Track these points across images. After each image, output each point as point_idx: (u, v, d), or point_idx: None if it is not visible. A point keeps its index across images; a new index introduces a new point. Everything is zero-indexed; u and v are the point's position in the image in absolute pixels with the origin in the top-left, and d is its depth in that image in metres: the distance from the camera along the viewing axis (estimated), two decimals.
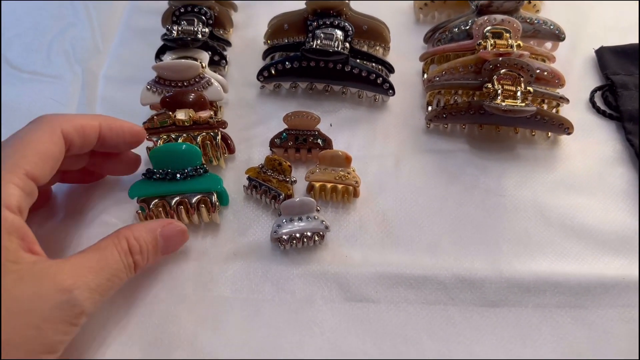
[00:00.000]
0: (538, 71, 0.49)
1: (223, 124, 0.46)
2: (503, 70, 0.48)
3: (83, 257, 0.34)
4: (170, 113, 0.46)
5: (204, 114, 0.46)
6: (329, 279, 0.42)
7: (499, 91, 0.47)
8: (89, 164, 0.43)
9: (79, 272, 0.32)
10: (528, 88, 0.48)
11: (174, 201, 0.42)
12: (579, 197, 0.47)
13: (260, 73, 0.53)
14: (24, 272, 0.30)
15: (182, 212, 0.42)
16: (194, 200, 0.42)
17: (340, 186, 0.45)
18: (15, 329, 0.29)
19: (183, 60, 0.49)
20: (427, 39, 0.58)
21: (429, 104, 0.53)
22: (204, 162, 0.44)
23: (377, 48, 0.56)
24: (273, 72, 0.52)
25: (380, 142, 0.51)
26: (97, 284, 0.33)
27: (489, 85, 0.48)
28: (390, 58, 0.56)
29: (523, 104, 0.47)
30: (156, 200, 0.42)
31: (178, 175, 0.42)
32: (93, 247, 0.35)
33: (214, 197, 0.43)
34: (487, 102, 0.47)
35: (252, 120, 0.53)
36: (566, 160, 0.50)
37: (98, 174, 0.46)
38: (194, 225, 0.44)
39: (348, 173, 0.45)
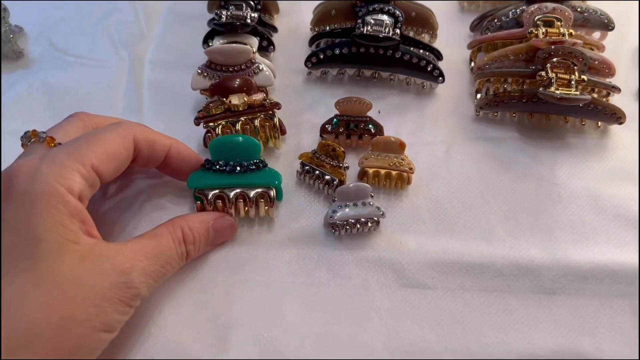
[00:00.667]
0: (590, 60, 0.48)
1: (277, 105, 0.46)
2: (556, 59, 0.48)
3: (140, 242, 0.35)
4: (225, 99, 0.45)
5: (258, 97, 0.46)
6: (384, 265, 0.42)
7: (553, 79, 0.47)
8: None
9: (136, 256, 0.34)
10: (582, 77, 0.47)
11: (232, 194, 0.41)
12: (632, 187, 0.46)
13: (308, 59, 0.52)
14: (85, 253, 0.32)
15: (240, 206, 0.42)
16: (252, 194, 0.42)
17: (394, 172, 0.45)
18: (79, 306, 0.30)
19: (235, 45, 0.49)
20: (474, 27, 0.57)
21: (477, 91, 0.52)
22: (261, 145, 0.44)
23: (424, 35, 0.56)
24: (322, 57, 0.52)
25: (430, 129, 0.51)
26: (152, 269, 0.34)
27: (543, 74, 0.48)
28: (436, 46, 0.55)
29: (577, 93, 0.46)
30: (215, 192, 0.41)
31: (238, 168, 0.41)
32: (150, 233, 0.37)
33: (273, 193, 0.42)
34: (541, 90, 0.47)
35: (299, 106, 0.52)
36: (617, 149, 0.49)
37: None
38: (249, 217, 0.44)
39: (402, 159, 0.45)
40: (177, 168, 0.42)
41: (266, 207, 0.43)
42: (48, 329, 0.29)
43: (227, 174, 0.42)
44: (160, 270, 0.35)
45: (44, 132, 0.37)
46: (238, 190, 0.42)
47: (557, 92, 0.46)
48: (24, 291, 0.30)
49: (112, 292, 0.32)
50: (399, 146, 0.45)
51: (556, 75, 0.47)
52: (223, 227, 0.41)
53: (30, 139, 0.37)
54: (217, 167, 0.42)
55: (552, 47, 0.48)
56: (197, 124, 0.46)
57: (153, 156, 0.40)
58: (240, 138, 0.42)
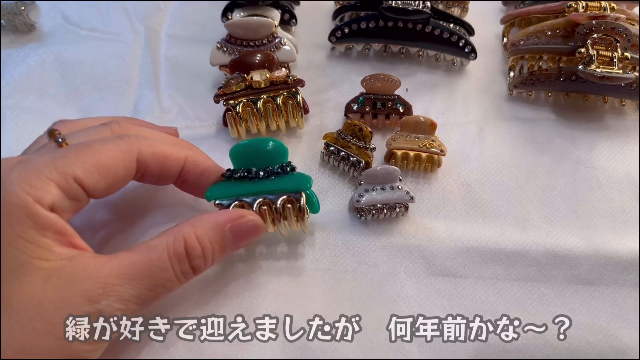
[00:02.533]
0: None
1: (300, 82, 0.44)
2: (597, 35, 0.45)
3: (126, 258, 0.29)
4: (246, 75, 0.43)
5: (280, 73, 0.44)
6: (412, 252, 0.40)
7: (594, 57, 0.44)
8: None
9: (114, 279, 0.28)
10: (625, 54, 0.44)
11: (256, 203, 0.35)
12: None
13: (332, 33, 0.50)
14: (52, 271, 0.27)
15: (266, 215, 0.36)
16: (279, 201, 0.35)
17: (424, 155, 0.43)
18: (36, 338, 0.26)
19: (256, 18, 0.47)
20: (507, 0, 0.54)
21: (511, 69, 0.50)
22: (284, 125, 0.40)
23: (454, 9, 0.53)
24: (347, 32, 0.49)
25: (461, 108, 0.48)
26: (134, 294, 0.29)
27: (583, 50, 0.45)
28: (467, 20, 0.53)
29: (620, 71, 0.43)
30: (236, 202, 0.35)
31: (262, 174, 0.36)
32: (142, 247, 0.30)
33: (303, 200, 0.36)
34: (581, 68, 0.44)
35: (322, 83, 0.50)
36: None
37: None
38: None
39: (432, 141, 0.43)
40: (196, 183, 0.36)
41: (296, 217, 0.36)
42: None
43: (248, 181, 0.36)
44: (147, 295, 0.29)
45: (61, 135, 0.33)
46: (261, 199, 0.35)
47: (598, 70, 0.43)
48: None
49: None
50: (430, 126, 0.43)
51: (597, 53, 0.44)
52: (245, 230, 0.34)
53: (49, 136, 0.33)
54: (238, 174, 0.36)
55: (593, 22, 0.45)
56: (217, 102, 0.43)
57: (165, 173, 0.35)
58: (263, 142, 0.37)
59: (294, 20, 0.52)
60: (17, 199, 0.27)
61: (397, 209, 0.41)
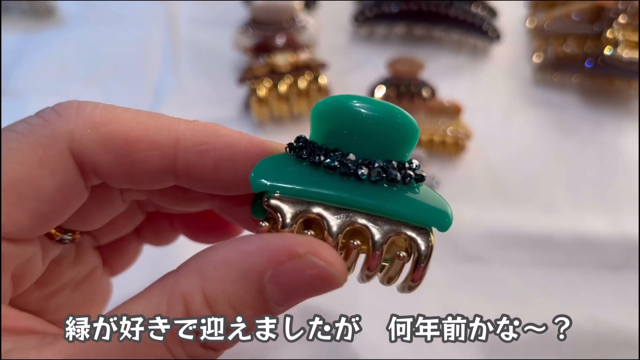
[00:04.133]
0: None
1: (323, 66, 0.44)
2: (625, 19, 0.44)
3: (81, 346, 0.16)
4: (268, 59, 0.43)
5: (303, 56, 0.43)
6: (437, 237, 0.40)
7: (620, 41, 0.44)
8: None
9: None
10: None
11: (341, 225, 0.18)
12: None
13: (355, 16, 0.49)
14: None
15: (352, 253, 0.19)
16: (384, 233, 0.18)
17: (449, 139, 0.42)
18: None
19: (279, 1, 0.46)
20: None
21: (536, 53, 0.49)
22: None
23: None
24: (370, 15, 0.49)
25: (485, 92, 0.48)
26: None
27: (609, 35, 0.44)
28: (491, 3, 0.52)
29: None
30: (302, 209, 0.18)
31: (365, 170, 0.18)
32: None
33: (430, 242, 0.20)
34: (607, 53, 0.43)
35: (345, 66, 0.50)
36: None
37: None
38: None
39: (458, 125, 0.42)
40: (208, 179, 0.20)
41: (408, 268, 0.20)
42: None
43: (339, 178, 0.18)
44: None
45: None
46: (359, 220, 0.18)
47: (625, 54, 0.43)
48: None
49: None
50: (455, 110, 0.43)
51: (624, 37, 0.44)
52: (305, 284, 0.17)
53: None
54: (321, 158, 0.18)
55: (620, 5, 0.44)
56: (240, 85, 0.43)
57: (136, 172, 0.19)
58: (382, 109, 0.18)
59: (316, 3, 0.51)
60: None
61: None
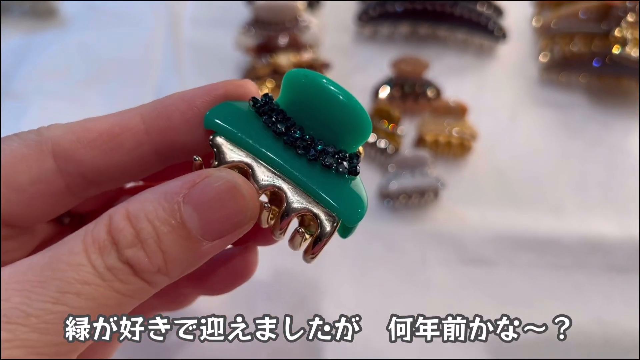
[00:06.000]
0: None
1: (326, 66, 0.43)
2: (633, 18, 0.44)
3: (23, 263, 0.18)
4: (271, 59, 0.42)
5: (307, 56, 0.43)
6: (443, 239, 0.39)
7: (629, 40, 0.43)
8: None
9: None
10: None
11: (267, 183, 0.19)
12: None
13: (359, 16, 0.49)
14: None
15: (264, 215, 0.20)
16: (303, 206, 0.20)
17: (455, 140, 0.42)
18: None
19: (281, 1, 0.46)
20: None
21: (542, 52, 0.48)
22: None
23: None
24: (373, 14, 0.48)
25: (491, 92, 0.47)
26: (29, 311, 0.17)
27: (617, 33, 0.44)
28: (496, 2, 0.51)
29: None
30: (244, 160, 0.19)
31: (312, 152, 0.20)
32: (55, 245, 0.18)
33: (333, 225, 0.20)
34: (615, 52, 0.43)
35: (348, 67, 0.49)
36: None
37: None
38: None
39: (464, 125, 0.42)
40: (192, 133, 0.21)
41: (305, 242, 0.21)
42: None
43: (282, 145, 0.20)
44: (53, 311, 0.17)
45: None
46: (282, 186, 0.20)
47: (633, 53, 0.42)
48: None
49: None
50: (461, 111, 0.42)
51: (632, 35, 0.43)
52: (213, 197, 0.18)
53: None
54: (275, 125, 0.20)
55: (628, 4, 0.44)
56: None
57: (115, 156, 0.21)
58: (343, 96, 0.19)
59: (319, 2, 0.51)
60: None
61: (427, 196, 0.40)
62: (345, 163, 0.20)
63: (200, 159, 0.20)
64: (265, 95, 0.20)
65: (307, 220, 0.20)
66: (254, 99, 0.20)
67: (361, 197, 0.20)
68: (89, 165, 0.21)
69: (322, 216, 0.20)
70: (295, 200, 0.20)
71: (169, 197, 0.18)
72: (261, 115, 0.20)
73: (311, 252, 0.21)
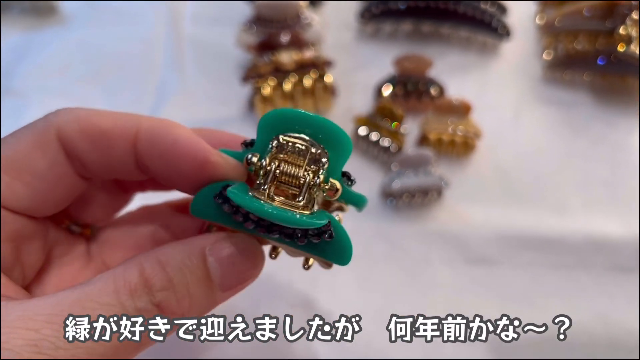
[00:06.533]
0: None
1: (328, 64, 0.43)
2: (638, 15, 0.43)
3: (51, 297, 0.19)
4: (273, 57, 0.42)
5: (308, 54, 0.42)
6: (446, 238, 0.39)
7: (633, 38, 0.43)
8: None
9: (29, 323, 0.18)
10: None
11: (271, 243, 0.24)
12: None
13: (361, 13, 0.48)
14: None
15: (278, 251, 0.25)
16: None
17: (458, 138, 0.41)
18: None
19: None
20: None
21: (546, 50, 0.48)
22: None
23: None
24: (376, 12, 0.48)
25: (494, 91, 0.47)
26: (58, 345, 0.18)
27: (622, 31, 0.43)
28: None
29: None
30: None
31: (277, 236, 0.21)
32: (87, 282, 0.20)
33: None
34: (620, 50, 0.42)
35: (350, 65, 0.49)
36: None
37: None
38: None
39: (467, 124, 0.41)
40: (161, 171, 0.22)
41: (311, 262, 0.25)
42: None
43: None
44: (81, 346, 0.18)
45: None
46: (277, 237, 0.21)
47: (638, 51, 0.42)
48: None
49: None
50: (464, 109, 0.42)
51: (637, 33, 0.43)
52: (233, 254, 0.22)
53: None
54: (241, 219, 0.21)
55: (633, 1, 0.43)
56: (244, 84, 0.42)
57: (107, 157, 0.22)
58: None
59: (321, 1, 0.50)
60: None
61: (430, 195, 0.39)
62: (327, 234, 0.21)
63: (215, 227, 0.23)
64: (222, 190, 0.21)
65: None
66: (216, 195, 0.21)
67: (349, 246, 0.23)
68: (84, 155, 0.22)
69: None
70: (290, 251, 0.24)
71: (197, 251, 0.21)
72: (231, 211, 0.21)
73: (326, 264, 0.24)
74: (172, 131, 0.21)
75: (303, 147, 0.20)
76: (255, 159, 0.20)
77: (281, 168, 0.20)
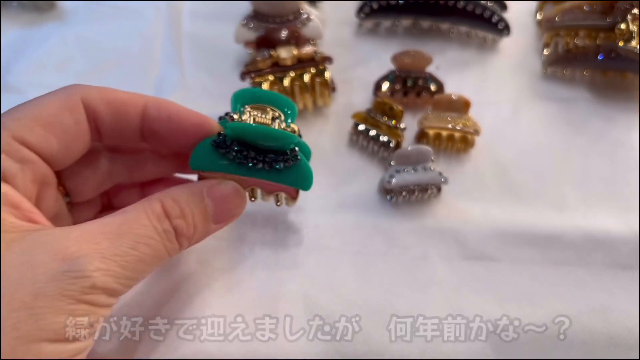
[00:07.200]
0: None
1: (328, 59, 0.43)
2: (638, 11, 0.43)
3: (99, 222, 0.25)
4: (272, 52, 0.42)
5: (308, 50, 0.42)
6: (445, 235, 0.39)
7: (634, 33, 0.42)
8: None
9: (89, 238, 0.24)
10: None
11: (248, 184, 0.32)
12: None
13: (360, 9, 0.48)
14: (13, 240, 0.23)
15: (256, 195, 0.33)
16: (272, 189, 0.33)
17: (457, 134, 0.41)
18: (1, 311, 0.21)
19: None
20: None
21: (545, 46, 0.48)
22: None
23: None
24: (375, 7, 0.48)
25: (494, 87, 0.47)
26: (115, 252, 0.24)
27: (623, 27, 0.43)
28: None
29: None
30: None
31: (261, 165, 0.30)
32: (115, 213, 0.27)
33: (298, 192, 0.33)
34: (621, 46, 0.42)
35: (349, 61, 0.49)
36: None
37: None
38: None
39: (466, 120, 0.41)
40: (166, 133, 0.30)
41: (285, 198, 0.34)
42: None
43: (244, 166, 0.30)
44: (130, 254, 0.25)
45: None
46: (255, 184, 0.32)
47: (639, 47, 0.42)
48: None
49: (50, 286, 0.22)
50: (464, 105, 0.41)
51: (638, 29, 0.43)
52: (224, 194, 0.30)
53: None
54: (234, 154, 0.29)
55: None
56: (243, 79, 0.42)
57: (121, 121, 0.29)
58: (271, 131, 0.30)
59: None
60: None
61: (429, 191, 0.39)
62: (291, 159, 0.30)
63: (206, 174, 0.30)
64: (219, 137, 0.29)
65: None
66: (214, 142, 0.29)
67: (309, 170, 0.32)
68: (103, 117, 0.28)
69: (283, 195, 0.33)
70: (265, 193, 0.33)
71: (198, 191, 0.29)
72: (223, 152, 0.29)
73: (292, 200, 0.33)
74: (168, 107, 0.30)
75: (266, 108, 0.31)
76: (235, 116, 0.30)
77: (254, 115, 0.30)
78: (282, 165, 0.30)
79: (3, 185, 0.24)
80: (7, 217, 0.23)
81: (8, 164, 0.25)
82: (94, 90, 0.28)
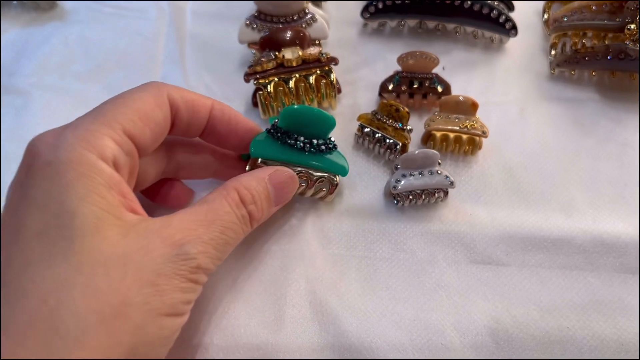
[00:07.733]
0: None
1: (334, 60, 0.42)
2: None
3: (190, 212, 0.29)
4: (277, 53, 0.41)
5: (313, 51, 0.42)
6: (452, 239, 0.38)
7: None
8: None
9: (188, 226, 0.28)
10: None
11: (296, 170, 0.36)
12: None
13: (365, 9, 0.48)
14: (127, 229, 0.27)
15: (301, 187, 0.37)
16: (315, 176, 0.37)
17: (465, 136, 0.41)
18: (131, 288, 0.25)
19: None
20: None
21: (552, 47, 0.47)
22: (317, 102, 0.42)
23: None
24: (380, 7, 0.47)
25: (500, 88, 0.46)
26: (210, 237, 0.29)
27: (633, 27, 0.42)
28: None
29: None
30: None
31: (309, 146, 0.36)
32: (200, 202, 0.31)
33: (336, 180, 0.38)
34: (631, 46, 0.42)
35: (354, 62, 0.48)
36: None
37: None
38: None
39: (474, 122, 0.41)
40: (225, 133, 0.35)
41: (324, 191, 0.38)
42: (100, 321, 0.24)
43: (295, 150, 0.36)
44: (220, 238, 0.29)
45: None
46: (302, 170, 0.36)
47: None
48: (64, 278, 0.24)
49: (167, 267, 0.26)
50: (471, 107, 0.41)
51: None
52: (282, 181, 0.34)
53: None
54: (288, 140, 0.36)
55: None
56: (247, 81, 0.42)
57: (194, 119, 0.34)
58: (317, 111, 0.36)
59: None
60: (80, 156, 0.26)
61: (437, 195, 0.39)
62: (331, 145, 0.37)
63: (263, 163, 0.36)
64: (273, 125, 0.36)
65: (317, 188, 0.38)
66: (270, 130, 0.36)
67: (344, 160, 0.38)
68: (181, 113, 0.33)
69: (331, 177, 0.38)
70: (316, 175, 0.37)
71: (262, 179, 0.33)
72: (278, 139, 0.36)
73: (329, 193, 0.38)
74: (229, 111, 0.35)
75: None
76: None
77: None
78: (324, 147, 0.36)
79: (113, 172, 0.27)
80: (119, 206, 0.27)
81: (119, 155, 0.28)
82: (173, 88, 0.32)
